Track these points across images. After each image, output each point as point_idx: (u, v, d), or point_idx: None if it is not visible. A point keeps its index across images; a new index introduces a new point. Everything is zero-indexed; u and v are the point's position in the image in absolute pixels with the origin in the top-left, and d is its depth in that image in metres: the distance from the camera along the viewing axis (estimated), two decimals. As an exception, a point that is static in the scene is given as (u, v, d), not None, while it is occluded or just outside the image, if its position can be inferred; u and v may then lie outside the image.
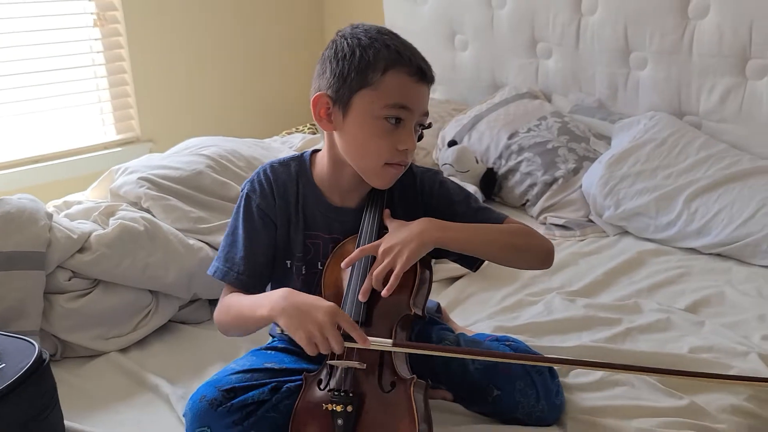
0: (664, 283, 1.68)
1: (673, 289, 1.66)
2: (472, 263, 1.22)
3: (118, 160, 1.77)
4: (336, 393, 1.04)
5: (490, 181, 2.16)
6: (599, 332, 1.47)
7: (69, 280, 1.38)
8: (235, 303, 1.15)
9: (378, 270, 1.07)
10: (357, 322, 1.06)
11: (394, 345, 1.03)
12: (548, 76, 2.41)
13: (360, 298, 1.08)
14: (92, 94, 2.67)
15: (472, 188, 2.09)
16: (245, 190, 1.20)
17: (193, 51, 2.87)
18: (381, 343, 1.03)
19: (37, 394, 1.06)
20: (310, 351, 1.02)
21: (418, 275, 1.10)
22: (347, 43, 1.09)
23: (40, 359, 1.07)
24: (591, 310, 1.54)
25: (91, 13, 2.59)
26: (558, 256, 1.82)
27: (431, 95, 2.78)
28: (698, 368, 1.32)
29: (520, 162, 2.13)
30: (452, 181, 1.27)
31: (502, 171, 2.17)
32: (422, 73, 1.09)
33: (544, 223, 2.04)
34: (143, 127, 2.81)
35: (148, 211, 1.58)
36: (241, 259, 1.17)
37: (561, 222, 2.01)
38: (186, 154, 1.76)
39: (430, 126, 1.20)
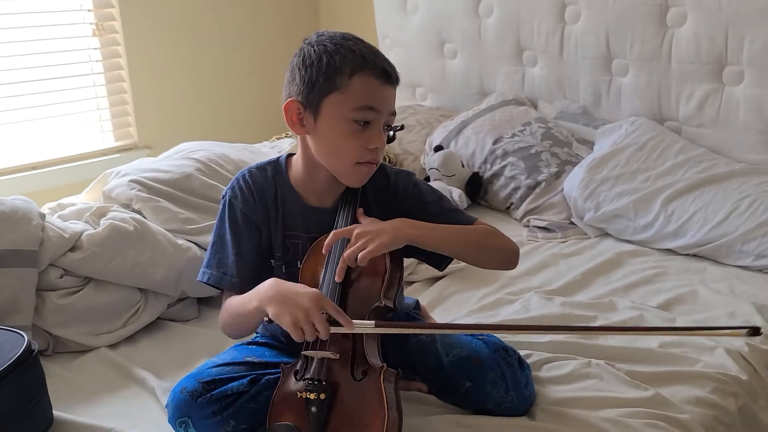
0: (640, 282, 1.73)
1: (649, 288, 1.70)
2: (440, 263, 1.27)
3: (117, 167, 1.83)
4: (310, 382, 1.09)
5: (476, 185, 2.21)
6: (574, 329, 1.51)
7: (61, 277, 1.44)
8: (231, 304, 1.20)
9: (351, 249, 1.11)
10: None
11: (377, 326, 1.07)
12: (534, 83, 2.47)
13: (336, 278, 1.13)
14: (91, 102, 2.74)
15: (457, 192, 2.15)
16: (227, 197, 1.24)
17: (190, 60, 2.94)
18: (364, 325, 1.07)
19: (27, 384, 1.12)
20: (296, 337, 1.05)
21: (389, 265, 1.15)
22: (314, 50, 1.14)
23: (29, 350, 1.13)
24: (567, 308, 1.59)
25: (90, 23, 2.65)
26: (539, 257, 1.90)
27: (422, 102, 2.85)
28: (666, 362, 1.37)
29: (504, 166, 2.19)
30: (425, 183, 1.32)
31: (487, 175, 2.22)
32: (387, 75, 1.15)
33: (528, 226, 2.09)
34: (141, 134, 2.87)
35: (139, 212, 1.64)
36: (233, 264, 1.21)
37: (543, 224, 2.05)
38: (177, 157, 1.82)
39: (402, 128, 1.25)
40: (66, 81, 2.62)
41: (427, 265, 1.69)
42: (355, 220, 1.21)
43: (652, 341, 1.45)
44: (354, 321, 1.07)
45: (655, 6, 2.09)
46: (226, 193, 1.25)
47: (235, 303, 1.18)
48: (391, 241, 1.13)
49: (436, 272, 1.75)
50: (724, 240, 1.77)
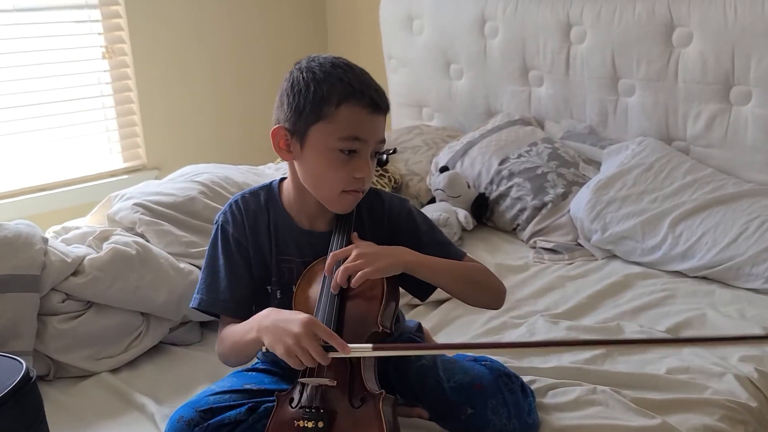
0: (648, 305, 1.70)
1: (657, 311, 1.67)
2: (424, 293, 1.27)
3: (125, 188, 1.84)
4: (307, 410, 1.08)
5: (482, 206, 2.20)
6: (580, 353, 1.48)
7: (63, 302, 1.44)
8: (228, 333, 1.19)
9: (348, 265, 1.11)
10: None
11: (375, 349, 1.06)
12: (540, 103, 2.46)
13: (331, 290, 1.12)
14: (100, 124, 2.77)
15: (463, 213, 2.13)
16: (219, 222, 1.25)
17: (198, 82, 2.96)
18: (361, 348, 1.06)
19: (24, 412, 1.11)
20: (293, 364, 1.05)
21: (386, 290, 1.14)
22: (303, 77, 1.14)
23: (27, 377, 1.11)
24: (573, 332, 1.57)
25: (100, 46, 2.69)
26: (545, 280, 1.88)
27: (428, 122, 2.85)
28: (674, 389, 1.35)
29: (510, 187, 2.17)
30: (419, 212, 1.32)
31: (493, 196, 2.21)
32: (375, 105, 1.14)
33: (534, 247, 2.07)
34: (149, 155, 2.90)
35: (142, 235, 1.64)
36: (226, 288, 1.21)
37: (550, 246, 2.04)
38: (181, 180, 1.82)
39: (394, 151, 1.25)
40: (76, 103, 2.66)
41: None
42: (349, 244, 1.20)
43: (661, 366, 1.43)
44: (350, 345, 1.05)
45: (660, 26, 2.08)
46: (219, 218, 1.25)
47: (232, 333, 1.18)
48: (390, 266, 1.13)
49: (439, 295, 1.76)
50: (733, 262, 1.74)
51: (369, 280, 1.11)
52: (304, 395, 1.10)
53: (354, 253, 1.13)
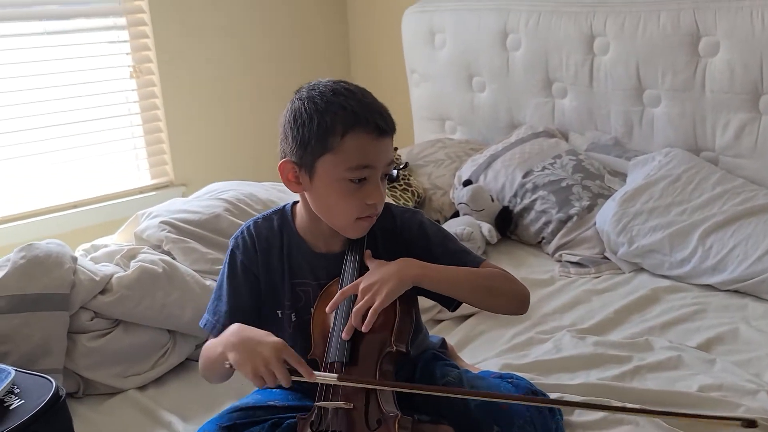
0: (678, 320, 1.67)
1: (687, 326, 1.64)
2: (450, 303, 1.24)
3: (153, 204, 1.87)
4: None
5: (506, 219, 2.19)
6: (608, 370, 1.47)
7: (91, 320, 1.46)
8: (204, 349, 1.20)
9: (357, 307, 1.11)
10: (342, 362, 1.10)
11: (339, 379, 1.06)
12: (564, 115, 2.45)
13: (343, 336, 1.12)
14: (128, 142, 2.82)
15: (487, 227, 2.12)
16: (231, 247, 1.25)
17: (223, 99, 3.00)
18: (326, 377, 1.06)
19: (53, 430, 1.13)
20: (257, 384, 1.06)
21: (398, 312, 1.13)
22: (305, 108, 1.12)
23: (56, 396, 1.14)
24: (600, 348, 1.55)
25: (128, 66, 2.75)
26: (572, 294, 1.86)
27: (451, 135, 2.84)
28: (706, 407, 1.31)
29: (534, 200, 2.16)
30: (432, 222, 1.29)
31: (517, 209, 2.19)
32: (380, 129, 1.12)
33: (560, 261, 2.05)
34: (176, 172, 2.94)
35: (169, 253, 1.66)
36: (226, 313, 1.21)
37: (576, 259, 2.01)
38: (206, 198, 1.85)
39: (406, 165, 1.23)
40: (105, 122, 2.71)
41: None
42: (362, 265, 1.20)
43: (692, 384, 1.40)
44: (316, 373, 1.06)
45: (686, 36, 2.06)
46: (231, 242, 1.26)
47: (206, 348, 1.19)
48: (397, 286, 1.12)
49: (464, 310, 1.75)
50: (766, 275, 1.70)
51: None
52: (324, 419, 1.09)
53: (360, 289, 1.12)
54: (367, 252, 1.21)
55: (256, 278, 1.23)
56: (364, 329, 1.10)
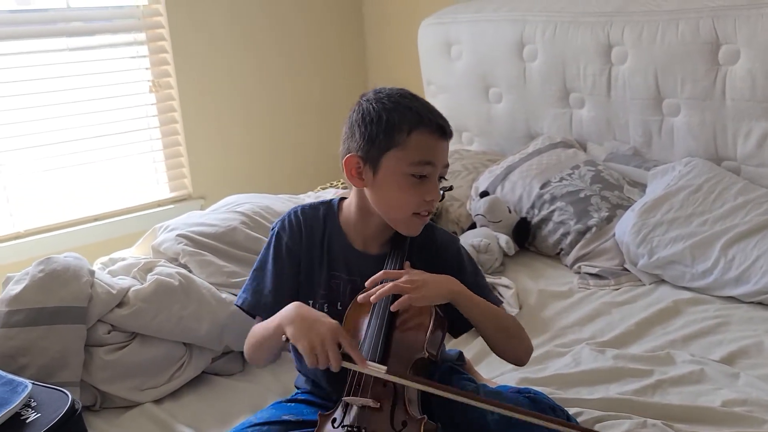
0: (700, 333, 1.64)
1: (710, 339, 1.61)
2: (458, 330, 1.29)
3: (171, 217, 1.89)
4: (350, 429, 1.09)
5: (523, 230, 2.17)
6: (628, 384, 1.44)
7: (108, 333, 1.47)
8: (255, 328, 1.25)
9: (398, 284, 1.13)
10: (374, 359, 1.11)
11: (388, 372, 1.07)
12: (582, 125, 2.42)
13: (372, 299, 1.13)
14: (147, 155, 2.85)
15: (504, 238, 2.10)
16: (276, 229, 1.30)
17: (241, 114, 3.03)
18: (377, 368, 1.08)
19: (69, 443, 1.13)
20: (310, 362, 1.08)
21: (433, 320, 1.15)
22: (373, 108, 1.19)
23: (72, 409, 1.14)
24: (620, 361, 1.52)
25: (148, 81, 2.78)
26: (591, 306, 1.83)
27: (467, 147, 2.83)
28: (730, 423, 1.28)
29: (552, 211, 2.14)
30: (468, 253, 1.34)
31: (535, 220, 2.17)
32: (442, 130, 1.19)
33: (579, 272, 2.03)
34: (195, 185, 2.96)
35: (185, 266, 1.67)
36: (270, 293, 1.25)
37: (595, 271, 1.98)
38: (223, 211, 1.85)
39: (451, 189, 1.28)
40: (125, 136, 2.75)
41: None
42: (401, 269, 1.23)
43: (716, 398, 1.37)
44: (368, 362, 1.08)
45: (705, 44, 2.03)
46: (276, 224, 1.30)
47: (258, 327, 1.23)
48: (436, 296, 1.15)
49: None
50: (791, 287, 1.66)
51: (417, 307, 1.15)
52: (347, 415, 1.11)
53: (405, 277, 1.15)
54: (407, 263, 1.23)
55: (299, 263, 1.27)
56: (394, 308, 1.12)
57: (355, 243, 1.27)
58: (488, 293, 1.29)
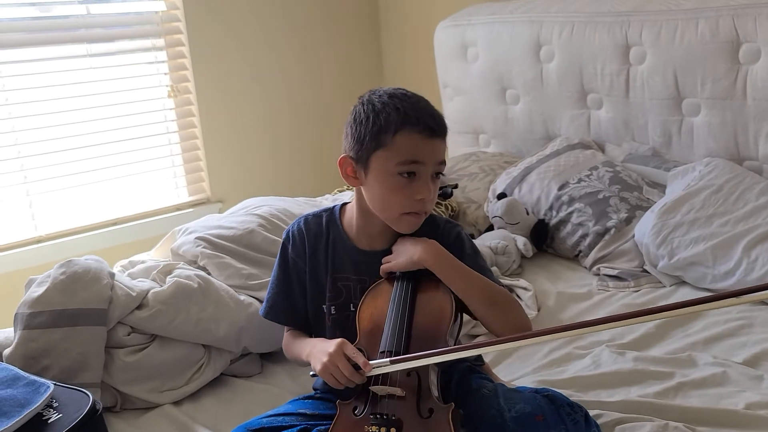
0: (723, 335, 1.61)
1: (732, 341, 1.58)
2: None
3: (190, 221, 1.91)
4: (378, 416, 1.11)
5: (541, 232, 2.15)
6: (649, 387, 1.42)
7: (128, 335, 1.48)
8: (291, 346, 1.36)
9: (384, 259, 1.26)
10: (397, 351, 1.15)
11: (392, 362, 1.12)
12: (600, 126, 2.41)
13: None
14: (166, 160, 2.88)
15: (522, 240, 2.09)
16: (282, 241, 1.37)
17: (259, 117, 3.05)
18: (379, 363, 1.13)
19: (90, 443, 1.14)
20: (330, 382, 1.15)
21: (453, 309, 1.19)
22: (363, 110, 1.23)
23: (93, 410, 1.16)
24: (641, 364, 1.50)
25: (166, 86, 2.81)
26: (610, 308, 1.82)
27: (485, 149, 2.82)
28: (754, 425, 1.26)
29: (571, 213, 2.12)
30: (468, 237, 1.36)
31: (553, 222, 2.16)
32: (430, 130, 1.20)
33: (598, 274, 2.01)
34: (213, 189, 2.98)
35: (204, 268, 1.68)
36: (282, 301, 1.35)
37: (614, 273, 1.96)
38: (241, 213, 1.87)
39: (456, 186, 1.33)
40: (144, 141, 2.77)
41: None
42: (414, 273, 1.26)
43: (739, 401, 1.34)
44: (370, 362, 1.13)
45: (725, 43, 2.01)
46: (283, 236, 1.38)
47: (295, 346, 1.33)
48: (406, 261, 1.24)
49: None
50: (815, 288, 1.63)
51: (439, 300, 1.21)
52: (372, 403, 1.14)
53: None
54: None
55: (304, 273, 1.33)
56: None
57: (360, 243, 1.31)
58: (488, 273, 1.29)
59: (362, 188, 1.26)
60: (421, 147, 1.19)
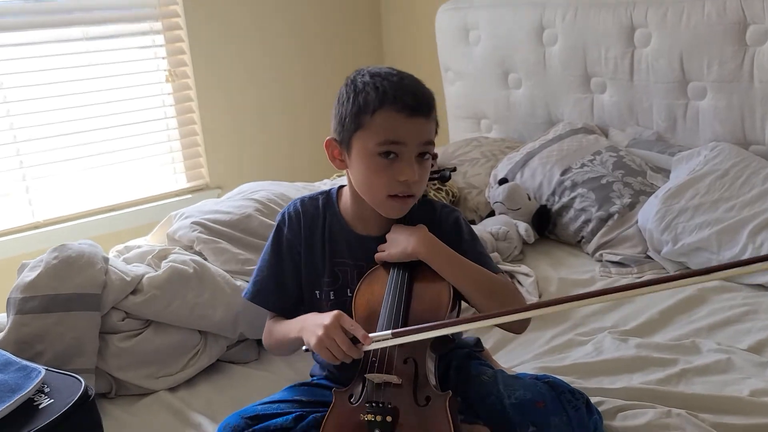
0: (727, 321, 1.59)
1: (737, 328, 1.56)
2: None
3: (188, 206, 1.88)
4: (374, 404, 1.09)
5: (544, 218, 2.12)
6: (652, 373, 1.40)
7: (122, 320, 1.46)
8: (275, 328, 1.29)
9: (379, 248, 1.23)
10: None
11: (394, 335, 1.08)
12: (604, 111, 2.37)
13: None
14: (164, 145, 2.85)
15: (523, 226, 2.06)
16: (277, 222, 1.33)
17: (258, 102, 3.01)
18: (381, 336, 1.09)
19: (82, 429, 1.12)
20: (326, 357, 1.10)
21: (452, 295, 1.16)
22: (345, 90, 1.20)
23: (85, 396, 1.13)
24: (644, 351, 1.48)
25: (164, 70, 2.77)
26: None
27: (486, 134, 2.78)
28: (758, 413, 1.24)
29: (573, 198, 2.09)
30: (467, 222, 1.32)
31: (555, 208, 2.13)
32: (410, 109, 1.16)
33: (600, 260, 1.98)
34: (212, 175, 2.96)
35: (200, 254, 1.65)
36: (271, 284, 1.30)
37: (617, 259, 1.94)
38: (238, 198, 1.84)
39: (454, 170, 1.35)
40: (141, 126, 2.74)
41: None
42: (408, 264, 1.23)
43: (743, 388, 1.32)
44: (370, 334, 1.09)
45: (732, 24, 1.96)
46: (278, 217, 1.33)
47: (279, 329, 1.27)
48: (399, 252, 1.20)
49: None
50: (822, 274, 1.61)
51: (436, 287, 1.17)
52: (368, 391, 1.11)
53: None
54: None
55: (299, 255, 1.29)
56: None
57: (356, 228, 1.28)
58: (486, 260, 1.26)
59: (348, 171, 1.23)
60: (401, 127, 1.15)
